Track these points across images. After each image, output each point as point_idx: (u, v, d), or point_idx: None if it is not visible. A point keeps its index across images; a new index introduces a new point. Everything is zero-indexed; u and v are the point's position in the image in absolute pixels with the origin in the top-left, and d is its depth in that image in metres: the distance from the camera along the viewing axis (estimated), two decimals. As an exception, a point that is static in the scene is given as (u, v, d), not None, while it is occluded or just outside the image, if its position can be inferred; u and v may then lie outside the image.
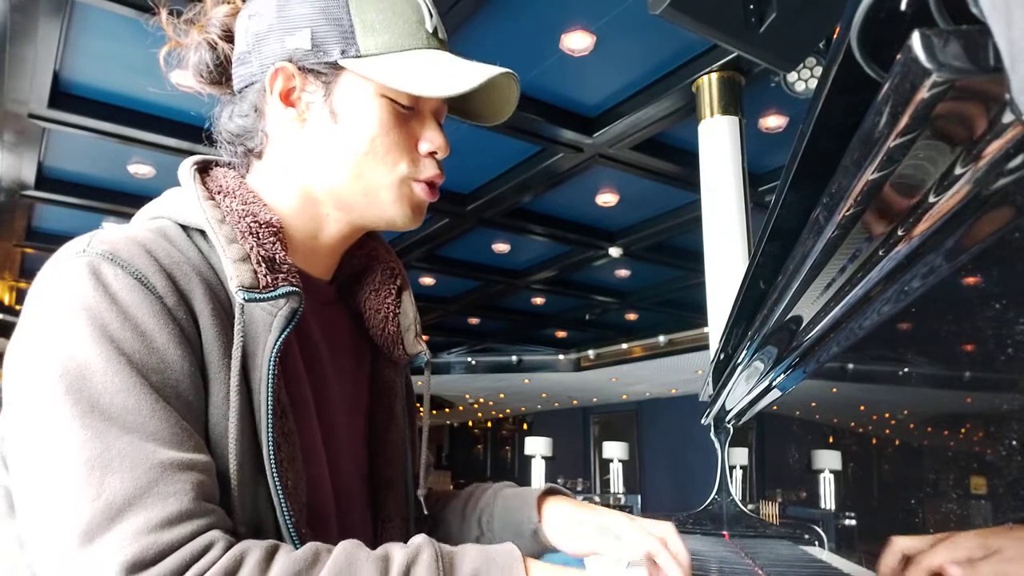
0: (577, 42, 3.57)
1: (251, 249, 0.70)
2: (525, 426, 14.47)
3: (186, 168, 0.77)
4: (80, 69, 3.76)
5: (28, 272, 7.17)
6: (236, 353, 0.67)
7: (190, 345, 0.65)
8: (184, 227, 0.73)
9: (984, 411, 0.59)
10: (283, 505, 0.67)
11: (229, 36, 0.81)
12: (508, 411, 14.52)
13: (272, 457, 0.67)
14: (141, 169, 4.82)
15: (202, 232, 0.72)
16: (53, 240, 6.02)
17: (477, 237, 6.24)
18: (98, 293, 0.62)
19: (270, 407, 0.68)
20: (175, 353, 0.63)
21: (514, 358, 9.77)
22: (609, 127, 4.22)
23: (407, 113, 0.77)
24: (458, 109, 0.83)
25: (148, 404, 0.60)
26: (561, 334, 10.14)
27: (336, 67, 0.75)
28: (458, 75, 0.73)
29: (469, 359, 9.90)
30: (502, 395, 11.96)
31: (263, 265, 0.69)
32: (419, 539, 0.65)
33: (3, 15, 3.11)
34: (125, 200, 5.22)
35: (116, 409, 0.59)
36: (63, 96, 3.94)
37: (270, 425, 0.67)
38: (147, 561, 0.55)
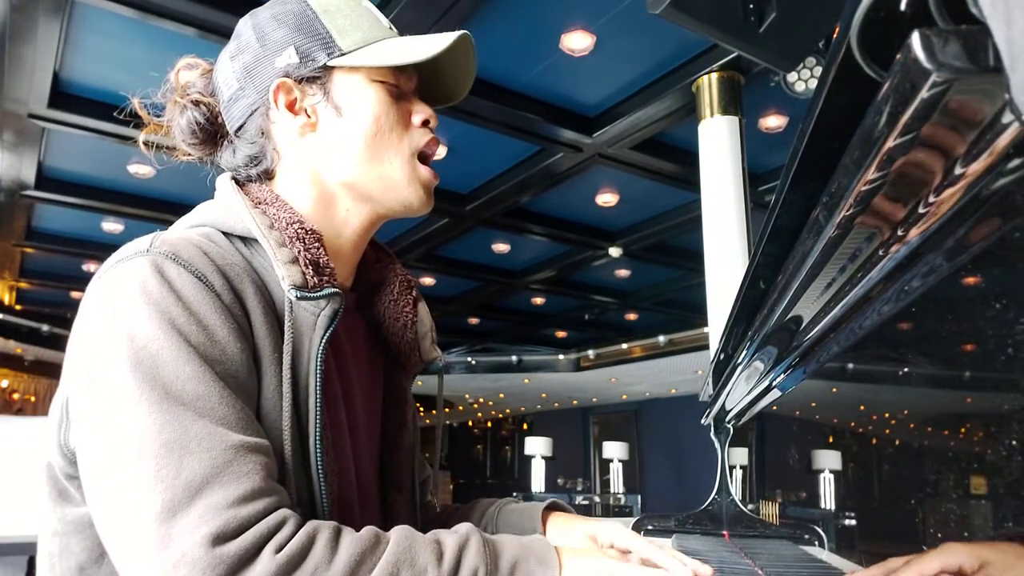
0: (577, 42, 3.57)
1: (299, 253, 0.76)
2: (525, 426, 14.46)
3: (227, 181, 0.84)
4: (80, 69, 3.76)
5: (28, 272, 7.16)
6: (287, 348, 0.72)
7: (245, 339, 0.70)
8: (227, 234, 0.78)
9: (984, 411, 0.59)
10: (322, 492, 0.72)
11: (208, 93, 0.89)
12: (508, 411, 14.52)
13: (318, 447, 0.72)
14: (141, 169, 4.82)
15: (243, 239, 0.78)
16: (53, 240, 5.98)
17: (477, 237, 6.25)
18: (163, 289, 0.67)
19: (319, 399, 0.73)
20: (234, 346, 0.68)
21: (514, 358, 9.76)
22: (609, 127, 4.22)
23: (397, 92, 0.85)
24: (426, 95, 0.91)
25: (216, 391, 0.64)
26: (561, 334, 10.15)
27: (327, 69, 0.83)
28: (429, 44, 0.82)
29: (469, 359, 9.89)
30: (502, 395, 11.97)
31: (310, 267, 0.75)
32: (465, 527, 0.69)
33: (3, 15, 3.11)
34: (125, 200, 5.22)
35: (188, 395, 0.63)
36: (63, 96, 3.94)
37: (319, 416, 0.73)
38: (229, 534, 0.58)
